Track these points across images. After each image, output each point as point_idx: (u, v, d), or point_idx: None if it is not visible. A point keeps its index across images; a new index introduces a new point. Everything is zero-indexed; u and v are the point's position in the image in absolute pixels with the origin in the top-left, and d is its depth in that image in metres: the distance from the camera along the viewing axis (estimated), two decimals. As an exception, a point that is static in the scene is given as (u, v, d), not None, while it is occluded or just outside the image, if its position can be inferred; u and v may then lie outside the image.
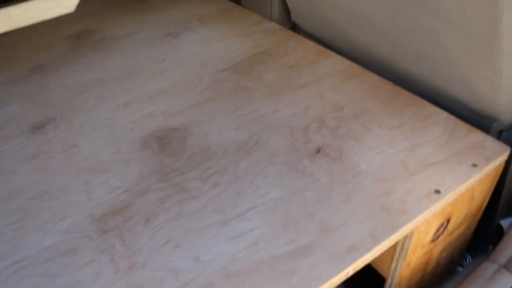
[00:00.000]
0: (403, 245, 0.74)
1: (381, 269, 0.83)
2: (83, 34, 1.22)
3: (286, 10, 1.21)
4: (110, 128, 0.88)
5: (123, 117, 0.91)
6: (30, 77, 1.06)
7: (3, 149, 0.86)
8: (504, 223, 0.90)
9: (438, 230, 0.78)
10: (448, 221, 0.78)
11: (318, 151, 0.79)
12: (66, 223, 0.71)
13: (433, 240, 0.79)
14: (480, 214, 0.89)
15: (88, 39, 1.19)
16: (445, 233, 0.81)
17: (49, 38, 1.22)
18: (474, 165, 0.75)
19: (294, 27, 1.23)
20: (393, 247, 0.75)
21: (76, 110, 0.94)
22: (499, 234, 0.86)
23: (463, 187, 0.73)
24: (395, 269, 0.79)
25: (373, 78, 0.96)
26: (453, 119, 0.84)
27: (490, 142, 0.79)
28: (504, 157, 0.78)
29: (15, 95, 1.00)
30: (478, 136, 0.80)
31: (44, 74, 1.06)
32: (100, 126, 0.89)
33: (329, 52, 1.06)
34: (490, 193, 0.85)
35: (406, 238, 0.72)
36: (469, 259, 1.00)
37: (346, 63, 1.02)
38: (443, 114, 0.85)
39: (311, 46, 1.09)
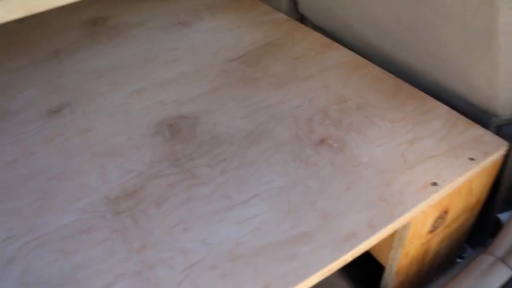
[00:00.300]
0: (401, 235, 0.78)
1: (380, 257, 0.86)
2: (97, 20, 1.25)
3: (294, 0, 1.23)
4: (124, 114, 0.92)
5: (136, 104, 0.95)
6: (47, 62, 1.10)
7: (24, 131, 0.91)
8: (503, 216, 0.93)
9: (435, 221, 0.81)
10: (446, 213, 0.82)
11: (321, 141, 0.83)
12: (82, 203, 0.75)
13: (431, 231, 0.82)
14: (479, 207, 0.92)
15: (102, 26, 1.22)
16: (443, 224, 0.84)
17: (65, 24, 1.25)
18: (472, 159, 0.78)
19: (301, 18, 1.25)
20: (391, 237, 0.79)
21: (91, 96, 0.98)
22: (498, 227, 0.88)
23: (460, 180, 0.76)
24: (393, 258, 0.83)
25: (377, 71, 0.99)
26: (453, 113, 0.87)
27: (489, 137, 0.82)
28: (502, 151, 0.81)
29: (33, 79, 1.04)
30: (477, 130, 0.83)
31: (60, 59, 1.10)
32: (114, 112, 0.93)
33: (335, 44, 1.09)
34: (489, 186, 0.88)
35: (404, 228, 0.76)
36: (469, 251, 1.03)
37: (351, 55, 1.05)
38: (443, 108, 0.88)
39: (318, 37, 1.12)
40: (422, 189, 0.73)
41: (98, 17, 1.27)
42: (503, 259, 0.75)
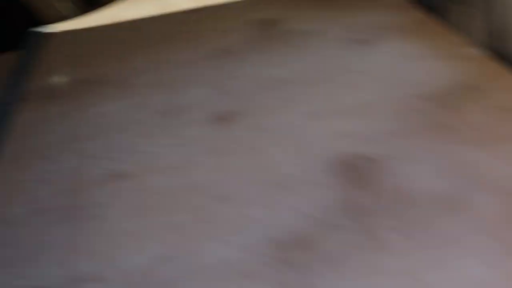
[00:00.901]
0: None
1: None
2: (266, 22, 1.19)
3: (490, 34, 1.05)
4: (297, 140, 0.83)
5: (310, 129, 0.85)
6: (215, 61, 1.05)
7: (188, 135, 0.86)
8: None
9: None
10: None
11: (537, 230, 0.67)
12: (246, 238, 0.67)
13: None
14: None
15: (272, 29, 1.15)
16: None
17: (233, 22, 1.21)
18: None
19: (496, 55, 1.07)
20: None
21: (262, 108, 0.90)
22: None
23: None
24: None
25: None
26: None
27: None
28: None
29: (201, 78, 0.99)
30: None
31: (230, 60, 1.04)
32: (286, 134, 0.84)
33: (546, 97, 0.91)
34: None
35: None
36: None
37: None
38: None
39: (525, 86, 0.94)
40: None
41: (267, 19, 1.20)
42: None
